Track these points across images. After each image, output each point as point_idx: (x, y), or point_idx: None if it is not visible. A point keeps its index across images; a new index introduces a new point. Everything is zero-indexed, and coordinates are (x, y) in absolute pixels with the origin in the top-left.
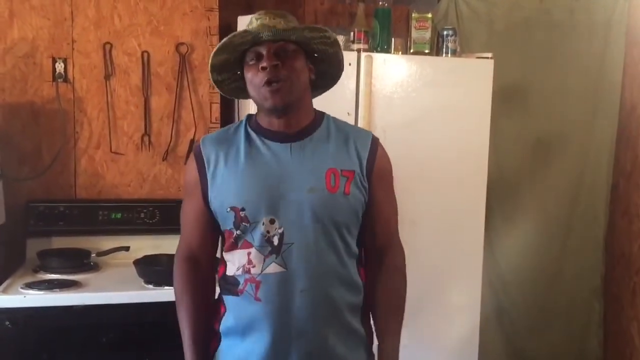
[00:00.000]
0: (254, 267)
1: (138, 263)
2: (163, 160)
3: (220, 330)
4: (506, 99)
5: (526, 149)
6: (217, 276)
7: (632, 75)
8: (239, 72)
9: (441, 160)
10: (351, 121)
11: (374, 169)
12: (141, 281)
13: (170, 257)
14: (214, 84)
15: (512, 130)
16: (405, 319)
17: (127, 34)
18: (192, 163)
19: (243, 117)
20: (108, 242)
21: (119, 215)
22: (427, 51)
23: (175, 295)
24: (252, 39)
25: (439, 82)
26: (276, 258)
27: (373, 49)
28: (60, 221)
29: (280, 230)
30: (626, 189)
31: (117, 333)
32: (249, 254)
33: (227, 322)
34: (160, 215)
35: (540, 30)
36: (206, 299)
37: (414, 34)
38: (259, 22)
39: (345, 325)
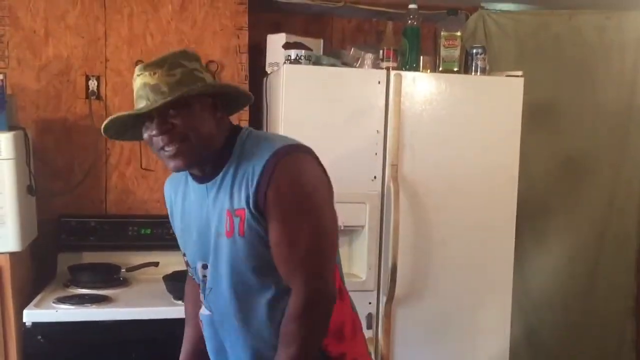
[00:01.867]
0: (202, 304)
1: (167, 279)
2: None
3: None
4: (536, 117)
5: (557, 168)
6: None
7: None
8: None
9: (471, 178)
10: (380, 140)
11: (267, 196)
12: (170, 297)
13: None
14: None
15: (543, 149)
16: (435, 338)
17: (158, 52)
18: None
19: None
20: (138, 258)
21: (148, 231)
22: (456, 69)
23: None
24: (138, 114)
25: (469, 100)
26: (205, 303)
27: (402, 67)
28: (91, 236)
29: (206, 275)
30: None
31: (146, 348)
32: (199, 293)
33: None
34: None
35: (570, 48)
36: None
37: (443, 52)
38: (139, 80)
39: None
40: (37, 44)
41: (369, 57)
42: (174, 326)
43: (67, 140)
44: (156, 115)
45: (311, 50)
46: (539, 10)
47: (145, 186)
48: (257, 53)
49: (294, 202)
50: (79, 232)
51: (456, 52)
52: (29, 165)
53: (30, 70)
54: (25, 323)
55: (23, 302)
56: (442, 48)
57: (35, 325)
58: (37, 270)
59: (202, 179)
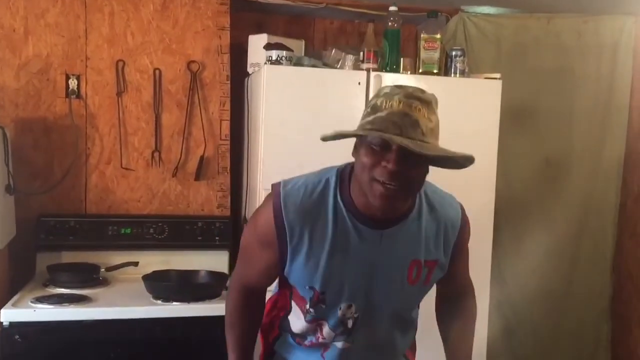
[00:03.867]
0: (324, 338)
1: (147, 278)
2: (173, 176)
3: (276, 350)
4: (514, 119)
5: (534, 170)
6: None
7: (639, 97)
8: None
9: (449, 180)
10: None
11: (458, 245)
12: (150, 296)
13: (179, 273)
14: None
15: (520, 151)
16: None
17: (139, 52)
18: (270, 220)
19: (253, 132)
20: (117, 257)
21: (128, 231)
22: (435, 71)
23: (227, 320)
24: (397, 142)
25: (447, 102)
26: (347, 338)
27: (382, 68)
28: (70, 236)
29: (355, 315)
30: (633, 211)
31: (125, 348)
32: (320, 325)
33: (289, 338)
34: (170, 231)
35: (548, 52)
36: (256, 324)
37: (423, 54)
38: (400, 106)
39: None
40: (17, 42)
41: (349, 59)
42: (153, 326)
43: (46, 139)
44: (397, 148)
45: (292, 51)
46: (518, 14)
47: (126, 186)
48: (239, 53)
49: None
50: (58, 231)
51: (436, 54)
52: (7, 165)
53: (10, 69)
54: (2, 322)
55: (0, 301)
56: (422, 50)
57: (13, 324)
58: (15, 269)
59: (376, 223)
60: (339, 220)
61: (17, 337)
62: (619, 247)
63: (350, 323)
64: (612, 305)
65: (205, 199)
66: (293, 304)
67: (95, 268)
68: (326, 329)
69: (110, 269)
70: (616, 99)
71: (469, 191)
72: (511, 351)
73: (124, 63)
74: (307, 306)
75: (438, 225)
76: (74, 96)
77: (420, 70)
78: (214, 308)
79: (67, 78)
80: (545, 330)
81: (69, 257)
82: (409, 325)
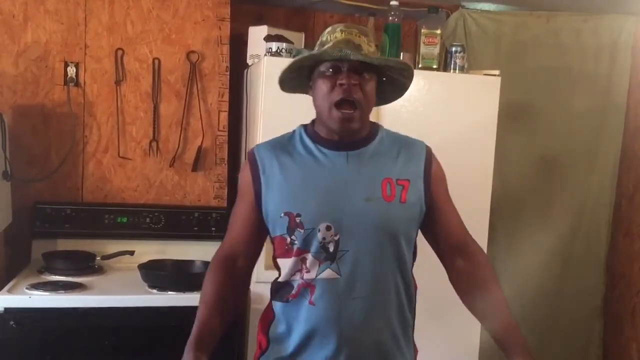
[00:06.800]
0: (308, 272)
1: (142, 267)
2: (170, 166)
3: (270, 337)
4: (512, 116)
5: (530, 167)
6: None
7: (637, 97)
8: (304, 72)
9: (446, 176)
10: None
11: (431, 176)
12: (145, 285)
13: (175, 263)
14: (280, 82)
15: (517, 148)
16: (420, 331)
17: (139, 41)
18: (246, 168)
19: (251, 124)
20: (113, 246)
21: (124, 220)
22: (435, 67)
23: (203, 286)
24: (340, 57)
25: (446, 97)
26: (331, 264)
27: None
28: (66, 223)
29: (336, 238)
30: (628, 210)
31: (119, 336)
32: (303, 259)
33: (277, 328)
34: (166, 221)
35: (547, 49)
36: (231, 298)
37: (423, 49)
38: (343, 35)
39: (397, 341)
40: (16, 28)
41: None
42: (148, 315)
43: (44, 127)
44: (348, 67)
45: (292, 43)
46: (518, 12)
47: (123, 174)
48: (239, 44)
49: (447, 188)
50: (54, 219)
51: (436, 50)
52: (4, 151)
53: (8, 55)
54: None
55: None
56: (422, 45)
57: (8, 310)
58: (10, 256)
59: (340, 146)
60: (307, 148)
61: (12, 322)
62: (612, 246)
63: (332, 246)
64: (605, 303)
65: (202, 189)
66: (279, 262)
67: (90, 256)
68: (309, 259)
69: (105, 257)
70: (613, 98)
71: (466, 188)
72: None
73: (123, 52)
74: (288, 239)
75: (400, 148)
76: (73, 84)
77: (420, 66)
78: None
79: (66, 65)
80: (537, 328)
81: (64, 244)
82: (403, 262)
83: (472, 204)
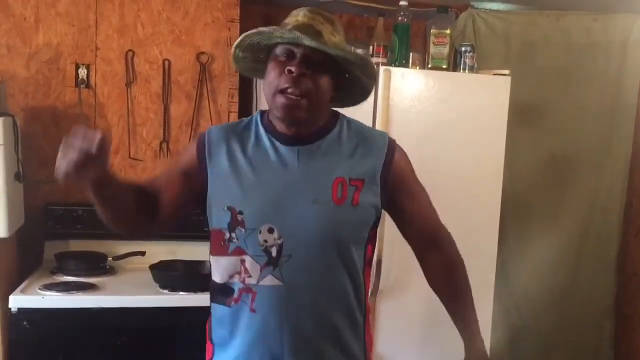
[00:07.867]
0: (249, 277)
1: (154, 268)
2: None
3: (214, 341)
4: (522, 116)
5: (541, 167)
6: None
7: None
8: (262, 56)
9: (456, 176)
10: None
11: (391, 173)
12: (156, 286)
13: (185, 263)
14: (233, 58)
15: (527, 148)
16: (416, 338)
17: (149, 43)
18: (192, 147)
19: None
20: (124, 247)
21: None
22: (444, 66)
23: None
24: (291, 39)
25: (456, 97)
26: (273, 270)
27: (391, 63)
28: (78, 224)
29: (279, 241)
30: (639, 209)
31: (131, 336)
32: (242, 261)
33: (219, 333)
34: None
35: (557, 49)
36: (146, 201)
37: (432, 49)
38: (305, 19)
39: (345, 347)
40: (27, 31)
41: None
42: (160, 315)
43: (55, 128)
44: (301, 55)
45: None
46: (528, 11)
47: (133, 176)
48: None
49: (414, 178)
50: (65, 220)
51: (445, 50)
52: (17, 152)
53: (20, 58)
54: (10, 309)
55: (9, 288)
56: (431, 45)
57: (21, 311)
58: (23, 257)
59: (292, 140)
60: (259, 138)
61: (25, 323)
62: (623, 246)
63: (274, 251)
64: (616, 303)
65: None
66: (213, 261)
67: (102, 257)
68: (249, 261)
69: (117, 258)
70: (624, 97)
71: (476, 188)
72: (515, 350)
73: (134, 53)
74: (226, 235)
75: (357, 142)
76: (84, 86)
77: (430, 66)
78: None
79: (77, 67)
80: (549, 329)
81: (76, 245)
82: (352, 265)
83: (482, 203)
